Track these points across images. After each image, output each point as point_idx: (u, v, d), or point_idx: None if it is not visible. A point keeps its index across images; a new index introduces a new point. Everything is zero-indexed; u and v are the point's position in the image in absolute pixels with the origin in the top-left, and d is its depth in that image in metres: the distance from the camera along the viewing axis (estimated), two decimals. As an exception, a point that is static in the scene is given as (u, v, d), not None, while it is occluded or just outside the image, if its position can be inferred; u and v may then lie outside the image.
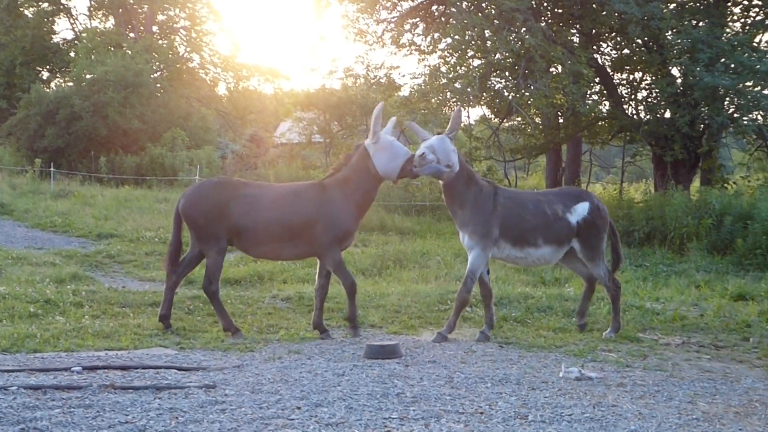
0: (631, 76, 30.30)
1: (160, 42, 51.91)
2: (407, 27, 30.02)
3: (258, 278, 17.67)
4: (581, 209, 12.21)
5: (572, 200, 12.34)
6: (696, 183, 29.91)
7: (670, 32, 25.87)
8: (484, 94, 27.70)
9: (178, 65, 50.57)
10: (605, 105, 29.82)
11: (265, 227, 11.46)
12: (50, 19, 54.56)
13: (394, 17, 29.86)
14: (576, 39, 28.77)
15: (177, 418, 7.27)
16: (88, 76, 43.45)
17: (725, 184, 27.06)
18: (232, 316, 12.46)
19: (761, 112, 25.63)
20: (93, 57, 45.23)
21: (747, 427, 7.53)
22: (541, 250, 12.03)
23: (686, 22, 26.11)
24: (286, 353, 10.40)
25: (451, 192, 11.77)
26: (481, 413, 7.70)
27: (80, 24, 56.70)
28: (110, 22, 55.71)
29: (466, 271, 11.84)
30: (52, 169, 36.82)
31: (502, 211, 11.72)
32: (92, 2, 55.65)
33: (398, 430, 7.10)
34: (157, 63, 48.39)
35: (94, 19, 56.72)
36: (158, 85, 47.40)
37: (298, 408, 7.69)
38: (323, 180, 12.04)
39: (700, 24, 26.20)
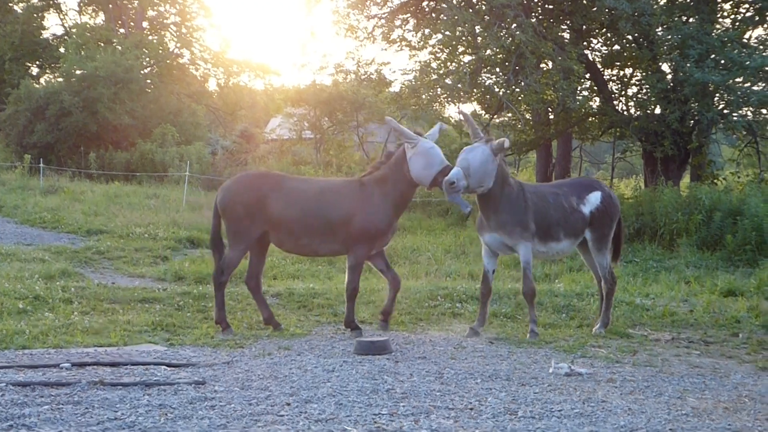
0: (622, 72, 30.32)
1: (150, 38, 51.81)
2: (398, 23, 29.99)
3: (242, 273, 17.65)
4: (594, 199, 12.23)
5: (585, 191, 12.35)
6: (686, 179, 29.98)
7: (660, 28, 25.93)
8: (475, 90, 27.73)
9: (168, 61, 50.52)
10: (595, 101, 29.86)
11: (304, 221, 11.44)
12: (40, 14, 54.49)
13: (384, 13, 29.84)
14: (566, 35, 28.77)
15: (166, 414, 7.25)
16: (77, 72, 43.39)
17: (715, 180, 27.09)
18: (222, 312, 12.52)
19: (751, 108, 25.67)
20: (83, 53, 45.12)
21: (736, 423, 7.52)
22: (561, 244, 12.05)
23: (676, 18, 26.15)
24: (276, 349, 10.40)
25: (487, 198, 11.52)
26: (471, 409, 7.69)
27: (70, 19, 56.71)
28: (100, 18, 55.65)
29: (522, 265, 11.80)
30: (41, 165, 36.76)
31: (532, 207, 11.67)
32: (82, -2, 55.62)
33: (388, 426, 7.08)
34: (148, 59, 48.30)
35: (84, 15, 56.69)
36: (148, 81, 47.39)
37: (288, 404, 7.68)
38: (362, 177, 11.99)
39: (690, 20, 26.22)
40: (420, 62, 28.47)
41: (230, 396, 7.91)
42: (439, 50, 27.79)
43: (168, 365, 9.21)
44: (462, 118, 12.07)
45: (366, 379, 8.80)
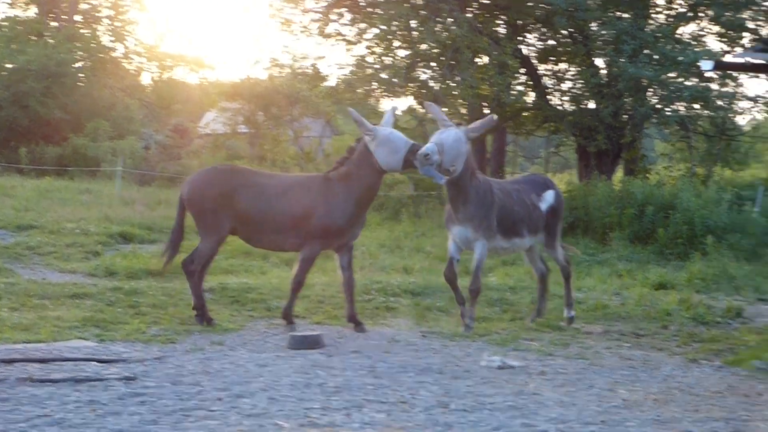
0: (556, 67, 30.55)
1: (83, 31, 51.17)
2: (333, 17, 29.93)
3: (180, 269, 17.50)
4: (549, 197, 12.50)
5: (541, 188, 12.59)
6: (619, 173, 30.28)
7: (594, 24, 26.17)
8: (410, 84, 27.74)
9: (101, 55, 49.87)
10: (530, 96, 30.04)
11: (271, 216, 11.39)
12: (-31, 7, 53.68)
13: (320, 7, 29.77)
14: (502, 30, 28.94)
15: (96, 410, 7.17)
16: (8, 66, 42.77)
17: (648, 174, 27.45)
18: (154, 308, 12.42)
19: (684, 103, 26.01)
20: (13, 46, 44.45)
21: (665, 414, 7.61)
22: (524, 240, 12.21)
23: (611, 14, 26.39)
24: (208, 344, 10.31)
25: (456, 187, 11.50)
26: (404, 402, 7.70)
27: (1, 12, 55.81)
28: (32, 11, 54.83)
29: (474, 263, 11.79)
30: (-30, 159, 36.22)
31: (498, 203, 11.71)
32: (13, -10, 54.75)
33: (320, 420, 7.07)
34: (80, 52, 47.68)
35: (15, 8, 55.82)
36: (81, 75, 46.76)
37: (219, 399, 7.63)
38: (328, 173, 11.88)
39: (625, 15, 26.49)
40: (356, 56, 28.50)
41: (161, 391, 7.84)
42: (374, 44, 27.82)
43: (98, 361, 9.08)
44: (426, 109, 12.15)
45: (299, 373, 8.79)
